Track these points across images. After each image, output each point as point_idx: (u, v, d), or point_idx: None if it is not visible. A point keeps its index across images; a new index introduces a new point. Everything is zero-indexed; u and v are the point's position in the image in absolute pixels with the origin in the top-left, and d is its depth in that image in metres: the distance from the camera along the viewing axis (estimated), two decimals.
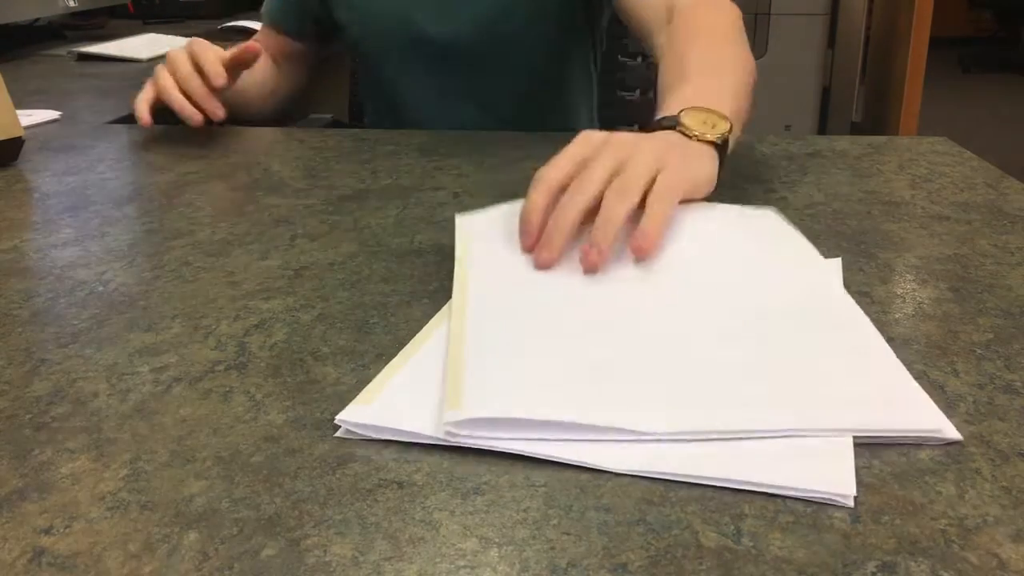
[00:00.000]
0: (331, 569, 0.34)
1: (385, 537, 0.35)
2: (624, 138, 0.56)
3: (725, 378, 0.43)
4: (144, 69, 1.32)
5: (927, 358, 0.47)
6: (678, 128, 0.60)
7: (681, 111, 0.62)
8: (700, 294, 0.51)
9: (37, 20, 1.75)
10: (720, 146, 0.61)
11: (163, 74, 0.92)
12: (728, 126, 0.62)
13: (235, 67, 0.94)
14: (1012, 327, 0.51)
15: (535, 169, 0.57)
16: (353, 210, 0.73)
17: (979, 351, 0.48)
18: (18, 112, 1.02)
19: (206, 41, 0.93)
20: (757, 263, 0.55)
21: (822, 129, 2.87)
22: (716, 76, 0.71)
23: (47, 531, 0.36)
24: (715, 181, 0.60)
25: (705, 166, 0.59)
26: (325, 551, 0.35)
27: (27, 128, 1.00)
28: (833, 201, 0.72)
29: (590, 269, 0.51)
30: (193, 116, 0.89)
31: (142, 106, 0.92)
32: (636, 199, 0.53)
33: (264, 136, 0.98)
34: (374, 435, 0.41)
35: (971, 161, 0.82)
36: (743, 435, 0.40)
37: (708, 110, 0.62)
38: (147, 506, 0.38)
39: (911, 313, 0.53)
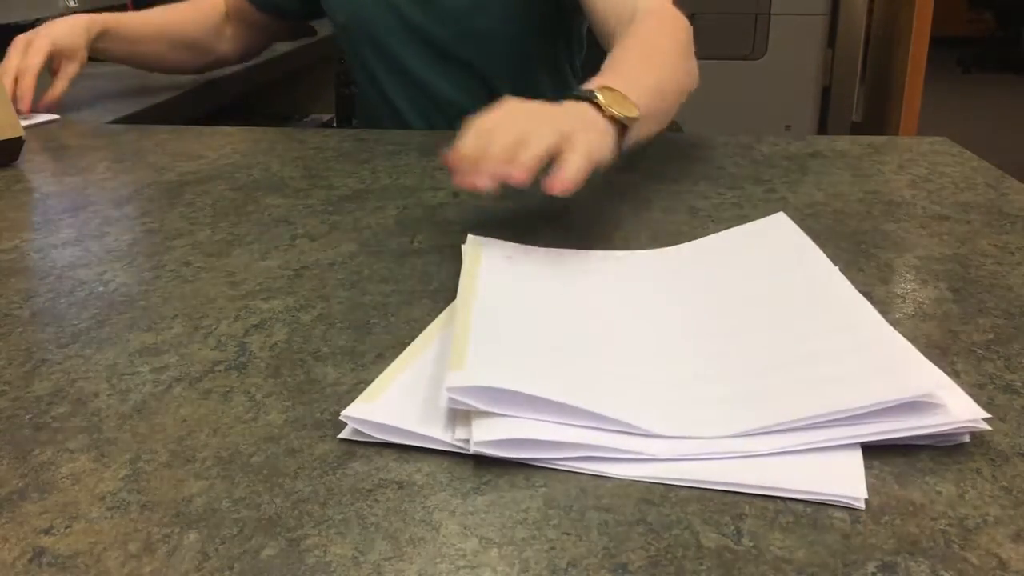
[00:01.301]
0: (331, 569, 0.34)
1: (385, 537, 0.35)
2: (540, 108, 0.61)
3: (734, 376, 0.44)
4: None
5: (927, 358, 0.47)
6: (592, 100, 0.64)
7: (599, 87, 0.65)
8: (704, 298, 0.52)
9: (37, 20, 1.75)
10: (622, 126, 0.64)
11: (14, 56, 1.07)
12: (636, 113, 0.65)
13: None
14: (1012, 327, 0.51)
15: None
16: (353, 210, 0.73)
17: (979, 351, 0.48)
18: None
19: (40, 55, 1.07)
20: (761, 268, 0.56)
21: (822, 129, 2.87)
22: (645, 73, 0.74)
23: (47, 531, 0.36)
24: (609, 157, 0.63)
25: (604, 142, 0.62)
26: (325, 551, 0.35)
27: (27, 128, 1.00)
28: (833, 201, 0.72)
29: (506, 180, 0.55)
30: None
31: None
32: (548, 146, 0.57)
33: (264, 136, 0.98)
34: (377, 435, 0.41)
35: (971, 161, 0.82)
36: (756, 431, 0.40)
37: (624, 96, 0.65)
38: (147, 506, 0.38)
39: (911, 313, 0.53)
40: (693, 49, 0.82)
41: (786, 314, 0.49)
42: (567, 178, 0.55)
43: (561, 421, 0.40)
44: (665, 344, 0.47)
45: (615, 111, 0.63)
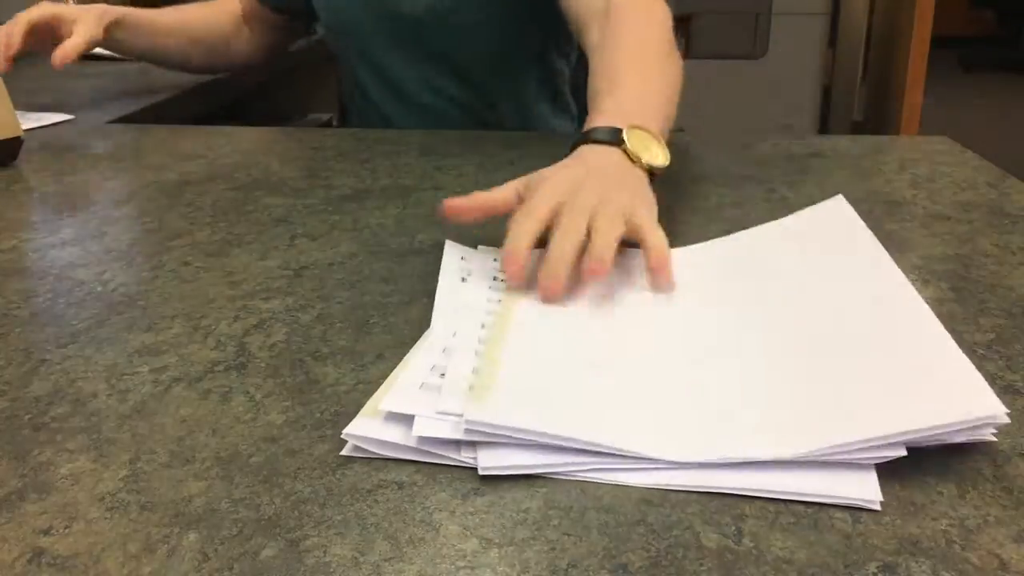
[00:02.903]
0: (331, 570, 0.34)
1: (385, 537, 0.35)
2: (586, 185, 0.57)
3: (766, 404, 0.42)
4: (144, 68, 1.32)
5: None
6: (622, 147, 0.61)
7: (629, 127, 0.62)
8: (750, 306, 0.51)
9: None
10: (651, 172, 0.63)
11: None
12: (664, 161, 0.63)
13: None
14: (1013, 327, 0.51)
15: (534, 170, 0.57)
16: (353, 210, 0.73)
17: (980, 351, 0.48)
18: (29, 115, 1.02)
19: (46, 9, 1.03)
20: (801, 275, 0.55)
21: (823, 129, 2.87)
22: (647, 83, 0.72)
23: (47, 532, 0.36)
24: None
25: (650, 194, 0.60)
26: (325, 551, 0.35)
27: (34, 129, 1.00)
28: None
29: (595, 278, 0.52)
30: None
31: None
32: (621, 232, 0.54)
33: (264, 136, 0.98)
34: (381, 451, 0.40)
35: (972, 161, 0.82)
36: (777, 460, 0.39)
37: (649, 134, 0.63)
38: (147, 506, 0.37)
39: None
40: (674, 38, 0.81)
41: (838, 325, 0.48)
42: (662, 254, 0.53)
43: (583, 458, 0.39)
44: (704, 363, 0.46)
45: (645, 159, 0.61)
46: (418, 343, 0.49)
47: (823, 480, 0.37)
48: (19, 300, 0.58)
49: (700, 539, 0.35)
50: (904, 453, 0.38)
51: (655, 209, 0.58)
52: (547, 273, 0.52)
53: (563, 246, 0.52)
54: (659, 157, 0.62)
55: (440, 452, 0.40)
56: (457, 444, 0.40)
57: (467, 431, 0.39)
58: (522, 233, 0.54)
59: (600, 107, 0.67)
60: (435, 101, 1.09)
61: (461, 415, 0.40)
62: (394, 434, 0.41)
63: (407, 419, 0.41)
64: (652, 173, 0.62)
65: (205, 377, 0.48)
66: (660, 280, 0.53)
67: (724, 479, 0.38)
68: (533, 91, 1.12)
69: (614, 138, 0.61)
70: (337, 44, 1.15)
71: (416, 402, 0.42)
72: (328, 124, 1.74)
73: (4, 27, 1.01)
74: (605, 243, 0.52)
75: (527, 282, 0.53)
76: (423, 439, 0.40)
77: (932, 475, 0.38)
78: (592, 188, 0.56)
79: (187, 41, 1.18)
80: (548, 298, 0.51)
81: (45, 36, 1.05)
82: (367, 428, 0.41)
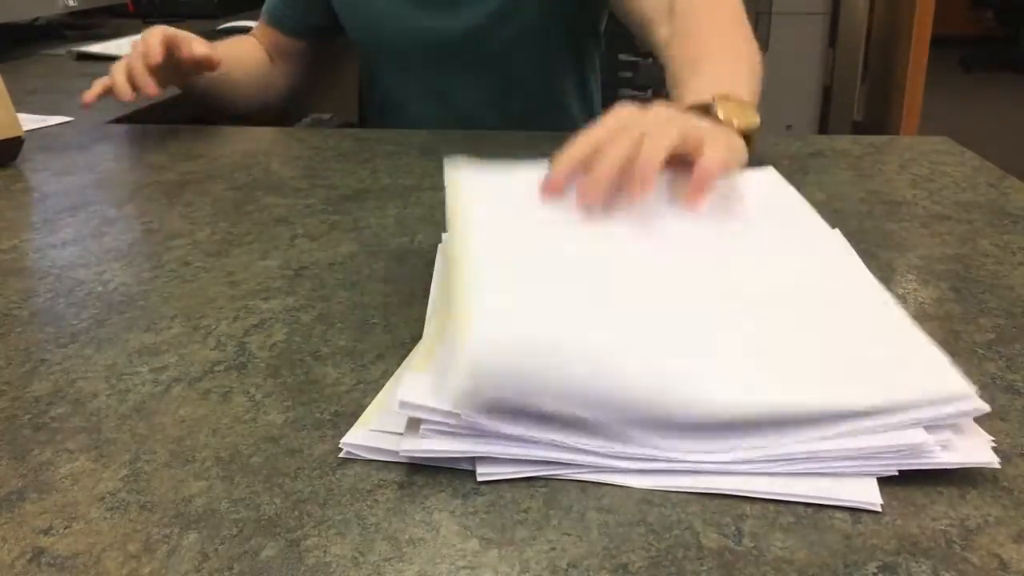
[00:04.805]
0: (331, 569, 0.34)
1: (385, 537, 0.35)
2: (661, 108, 0.54)
3: (750, 354, 0.41)
4: None
5: None
6: (710, 112, 0.60)
7: (714, 97, 0.60)
8: (713, 266, 0.48)
9: (37, 20, 1.75)
10: (746, 136, 0.60)
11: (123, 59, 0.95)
12: (758, 120, 0.61)
13: (198, 65, 0.97)
14: (1013, 327, 0.51)
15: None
16: (353, 210, 0.73)
17: (981, 351, 0.48)
18: (29, 116, 1.01)
19: (167, 28, 0.96)
20: (768, 233, 0.53)
21: (823, 128, 2.87)
22: (733, 62, 0.71)
23: (47, 531, 0.36)
24: (744, 164, 0.58)
25: (738, 145, 0.58)
26: (325, 551, 0.35)
27: (32, 130, 1.00)
28: (834, 201, 0.72)
29: (634, 198, 0.49)
30: (121, 91, 0.91)
31: (96, 86, 0.94)
32: (676, 140, 0.50)
33: (264, 136, 0.98)
34: (380, 458, 0.40)
35: (972, 161, 0.82)
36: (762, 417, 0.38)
37: (740, 101, 0.61)
38: (147, 506, 0.37)
39: (913, 313, 0.52)
40: (748, 23, 0.79)
41: (804, 298, 0.46)
42: (711, 164, 0.48)
43: (582, 459, 0.38)
44: (666, 315, 0.43)
45: (737, 122, 0.59)
46: (415, 349, 0.49)
47: (823, 483, 0.37)
48: (19, 300, 0.58)
49: (700, 539, 0.35)
50: (896, 473, 0.37)
51: (741, 152, 0.55)
52: (591, 177, 0.49)
53: (612, 151, 0.49)
54: (753, 118, 0.60)
55: (434, 465, 0.39)
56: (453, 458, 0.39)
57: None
58: (570, 152, 0.51)
59: (686, 90, 0.66)
60: (476, 108, 1.08)
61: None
62: (390, 443, 0.40)
63: (401, 423, 0.41)
64: (748, 138, 0.60)
65: (205, 377, 0.48)
66: (692, 199, 0.49)
67: (725, 482, 0.38)
68: (569, 94, 1.12)
69: (703, 106, 0.60)
70: (366, 54, 1.14)
71: (402, 419, 0.41)
72: (347, 124, 1.73)
73: (137, 45, 0.93)
74: (650, 153, 0.48)
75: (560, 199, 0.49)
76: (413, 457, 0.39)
77: (932, 475, 0.38)
78: (661, 112, 0.53)
79: (244, 74, 1.13)
80: (585, 201, 0.49)
81: (172, 51, 0.96)
82: (364, 438, 0.41)
